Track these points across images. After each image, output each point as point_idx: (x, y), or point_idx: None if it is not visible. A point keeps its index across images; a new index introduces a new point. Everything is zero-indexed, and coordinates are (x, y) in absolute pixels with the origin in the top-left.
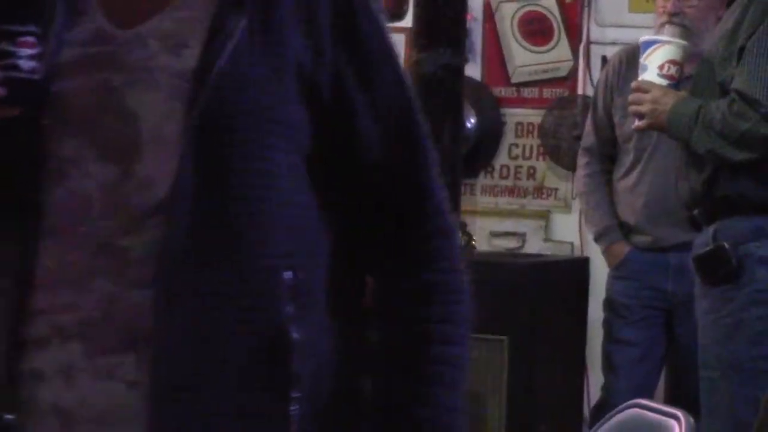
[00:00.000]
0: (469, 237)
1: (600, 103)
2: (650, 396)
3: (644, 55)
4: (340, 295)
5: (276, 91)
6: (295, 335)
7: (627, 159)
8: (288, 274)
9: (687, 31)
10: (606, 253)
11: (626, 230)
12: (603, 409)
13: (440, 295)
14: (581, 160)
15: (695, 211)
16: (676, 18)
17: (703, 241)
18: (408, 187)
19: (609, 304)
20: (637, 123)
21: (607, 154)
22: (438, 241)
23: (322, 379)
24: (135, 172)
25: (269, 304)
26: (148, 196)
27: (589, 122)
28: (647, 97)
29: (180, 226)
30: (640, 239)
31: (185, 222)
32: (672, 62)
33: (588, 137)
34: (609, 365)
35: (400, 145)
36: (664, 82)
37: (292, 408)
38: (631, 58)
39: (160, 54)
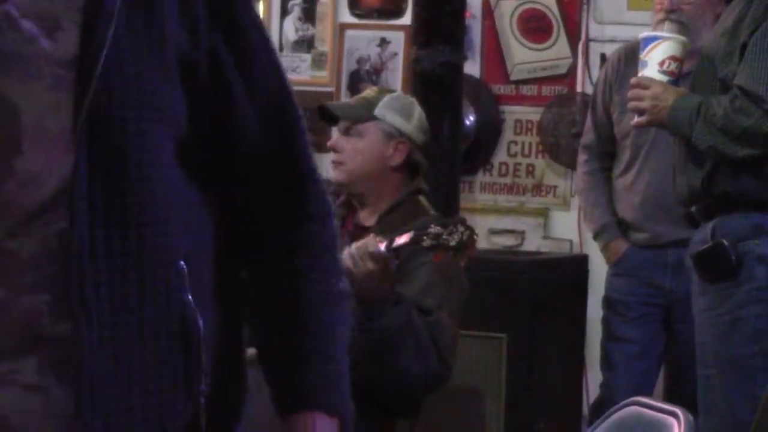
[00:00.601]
0: (471, 231)
1: (599, 101)
2: (649, 393)
3: (644, 52)
4: (225, 284)
5: (158, 75)
6: (200, 324)
7: (625, 156)
8: (182, 263)
9: (684, 28)
10: (604, 250)
11: (624, 227)
12: (602, 406)
13: (315, 275)
14: (581, 157)
15: (693, 208)
16: (673, 15)
17: (701, 238)
18: (284, 171)
19: (607, 302)
20: (637, 119)
21: (607, 151)
22: (313, 226)
23: (212, 369)
24: (16, 168)
25: (174, 294)
26: (33, 195)
27: (588, 120)
28: (647, 93)
29: (81, 223)
30: (639, 236)
31: (85, 218)
32: (672, 58)
33: (587, 135)
34: (608, 363)
35: (276, 129)
36: (664, 78)
37: (201, 400)
38: (630, 55)
39: (37, 38)
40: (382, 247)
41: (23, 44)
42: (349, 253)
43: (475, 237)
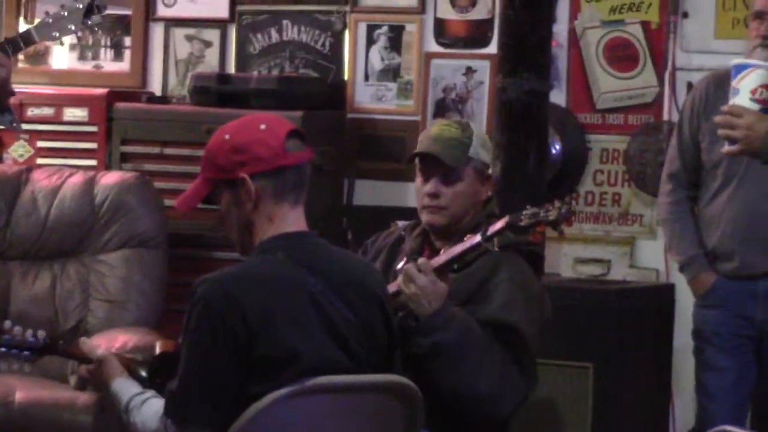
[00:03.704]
0: (569, 205)
1: (686, 129)
2: (743, 424)
3: (736, 79)
4: None
5: None
6: None
7: (714, 184)
8: None
9: None
10: (692, 283)
11: (712, 257)
12: None
13: None
14: (665, 186)
15: None
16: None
17: None
18: None
19: (698, 334)
20: (728, 147)
21: (693, 181)
22: None
23: None
24: None
25: None
26: None
27: (674, 148)
28: (740, 122)
29: None
30: (727, 266)
31: None
32: (764, 87)
33: (673, 163)
34: (704, 392)
35: None
36: (756, 106)
37: None
38: (718, 83)
39: None
40: (477, 238)
41: None
42: (403, 273)
43: (573, 210)
